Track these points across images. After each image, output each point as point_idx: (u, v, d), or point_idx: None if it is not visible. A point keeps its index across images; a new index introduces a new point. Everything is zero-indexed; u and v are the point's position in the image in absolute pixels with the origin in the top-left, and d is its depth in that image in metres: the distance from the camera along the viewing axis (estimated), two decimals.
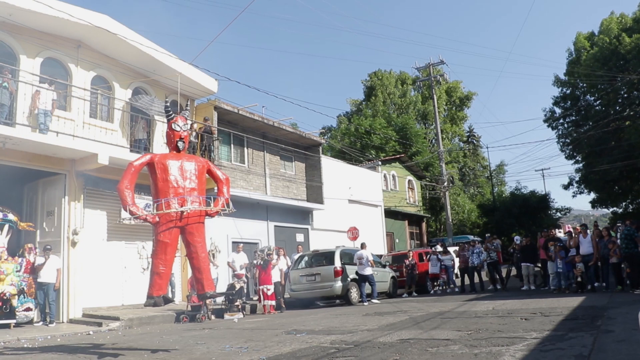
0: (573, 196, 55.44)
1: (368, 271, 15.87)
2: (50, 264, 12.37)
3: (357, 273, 15.97)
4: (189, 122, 16.61)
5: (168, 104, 7.79)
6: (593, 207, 44.40)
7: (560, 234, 21.65)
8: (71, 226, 13.48)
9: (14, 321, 11.61)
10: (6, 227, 12.24)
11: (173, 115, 7.63)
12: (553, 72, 51.26)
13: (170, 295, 14.25)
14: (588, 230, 14.78)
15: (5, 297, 11.44)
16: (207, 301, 13.38)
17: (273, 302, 14.77)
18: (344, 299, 16.00)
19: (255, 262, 15.68)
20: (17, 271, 12.00)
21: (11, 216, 12.43)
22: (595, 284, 14.28)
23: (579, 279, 13.92)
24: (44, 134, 12.54)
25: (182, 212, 7.05)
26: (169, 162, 7.23)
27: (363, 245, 16.66)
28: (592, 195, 41.94)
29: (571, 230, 17.55)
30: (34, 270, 12.35)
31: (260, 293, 14.77)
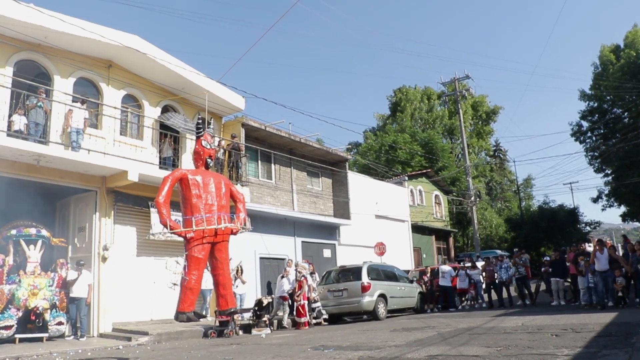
0: (602, 209, 54.52)
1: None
2: (83, 279, 12.60)
3: (439, 285, 18.60)
4: (216, 139, 16.96)
5: (200, 121, 7.94)
6: (623, 220, 43.59)
7: (590, 248, 21.27)
8: (102, 242, 13.72)
9: (47, 335, 11.83)
10: (39, 242, 12.52)
11: (203, 132, 7.76)
12: (578, 87, 50.56)
13: (203, 310, 14.40)
14: (605, 247, 14.54)
15: (38, 311, 11.68)
16: (235, 316, 13.47)
17: (307, 319, 15.00)
18: (371, 314, 15.92)
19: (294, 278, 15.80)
20: (49, 286, 12.25)
21: (44, 232, 12.71)
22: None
23: (620, 294, 13.66)
24: (76, 151, 12.86)
25: (216, 229, 7.16)
26: (201, 178, 7.36)
27: (445, 262, 17.13)
28: (623, 209, 41.20)
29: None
30: (65, 284, 12.59)
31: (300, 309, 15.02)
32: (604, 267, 14.04)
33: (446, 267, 19.92)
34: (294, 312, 15.30)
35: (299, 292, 15.04)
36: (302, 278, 15.31)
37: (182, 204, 7.38)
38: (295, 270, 15.86)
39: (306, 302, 15.07)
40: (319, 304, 15.63)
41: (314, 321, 15.36)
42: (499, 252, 28.28)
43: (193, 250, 7.10)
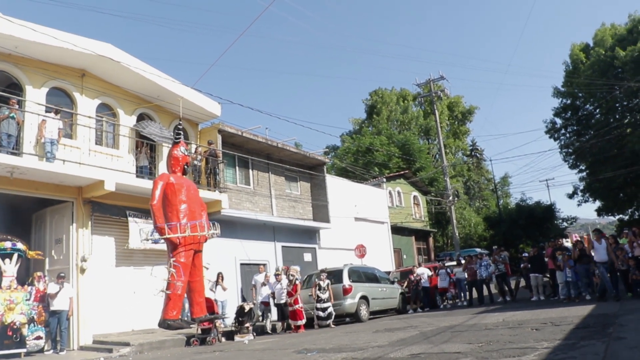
0: (578, 205, 55.45)
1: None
2: (64, 292, 12.41)
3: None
4: (193, 145, 16.87)
5: (181, 127, 7.93)
6: (599, 215, 44.40)
7: (567, 243, 21.61)
8: (80, 253, 13.54)
9: (25, 350, 11.59)
10: (15, 256, 12.30)
11: (181, 138, 7.76)
12: (552, 84, 51.40)
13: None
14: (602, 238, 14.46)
15: (15, 327, 11.46)
16: (217, 323, 13.40)
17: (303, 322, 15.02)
18: (353, 316, 15.95)
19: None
20: (26, 300, 12.04)
21: (20, 245, 12.50)
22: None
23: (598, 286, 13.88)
24: (50, 162, 12.68)
25: (199, 235, 7.17)
26: (184, 184, 7.34)
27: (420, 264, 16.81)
28: (598, 204, 41.97)
29: (579, 239, 17.54)
30: (43, 298, 12.39)
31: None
32: (603, 258, 13.85)
33: (422, 269, 20.14)
34: (283, 316, 15.28)
35: (294, 296, 14.99)
36: (297, 282, 15.27)
37: (166, 209, 7.33)
38: (286, 274, 15.77)
39: (302, 305, 15.06)
40: (329, 304, 15.28)
41: (325, 322, 15.11)
42: (478, 250, 28.54)
43: (181, 255, 7.06)
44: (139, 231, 14.19)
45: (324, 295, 15.17)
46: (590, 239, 15.07)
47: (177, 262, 7.10)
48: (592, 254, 14.30)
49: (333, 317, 15.29)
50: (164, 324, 7.16)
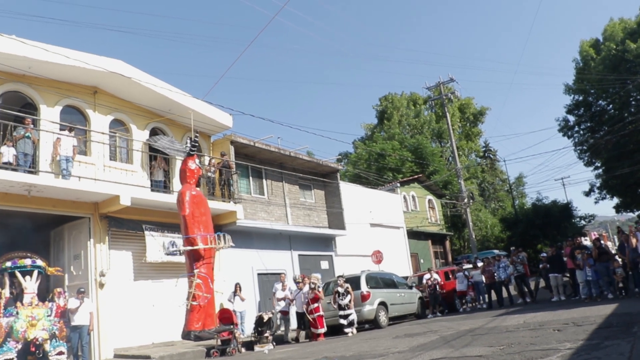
0: (595, 202, 54.70)
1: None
2: (85, 307, 12.50)
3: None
4: (206, 157, 16.94)
5: (197, 139, 7.99)
6: (617, 212, 43.86)
7: (586, 241, 21.37)
8: (98, 268, 13.64)
9: None
10: (35, 272, 12.39)
11: (196, 150, 7.81)
12: (563, 81, 51.13)
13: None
14: None
15: (38, 342, 11.55)
16: (237, 334, 13.41)
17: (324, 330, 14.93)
18: (372, 323, 15.88)
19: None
20: (48, 316, 12.11)
21: (40, 262, 12.60)
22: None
23: (620, 285, 13.70)
24: (66, 179, 12.83)
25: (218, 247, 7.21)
26: (202, 196, 7.39)
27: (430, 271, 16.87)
28: (616, 200, 41.46)
29: (598, 236, 17.33)
30: (64, 314, 12.48)
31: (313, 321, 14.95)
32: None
33: (435, 275, 20.19)
34: (304, 325, 15.22)
35: (316, 304, 14.93)
36: (319, 290, 15.22)
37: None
38: (303, 282, 15.72)
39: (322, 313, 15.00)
40: (351, 311, 15.09)
41: (349, 329, 14.88)
42: (496, 252, 28.30)
43: (206, 267, 7.11)
44: (162, 244, 14.29)
45: (344, 301, 15.03)
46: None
47: (202, 273, 7.13)
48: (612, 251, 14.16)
49: (355, 322, 15.13)
50: (189, 335, 7.17)
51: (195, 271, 7.23)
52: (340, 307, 15.02)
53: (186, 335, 7.22)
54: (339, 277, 16.00)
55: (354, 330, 14.98)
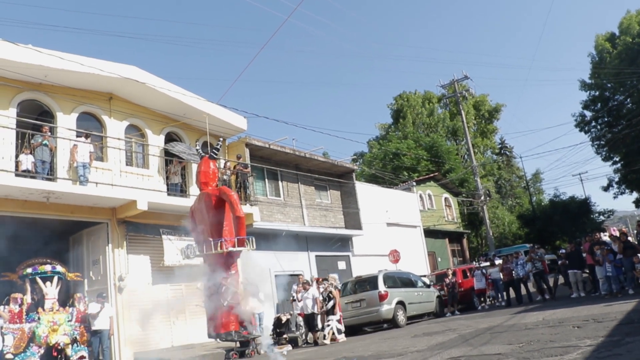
0: (614, 197, 54.14)
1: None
2: (105, 312, 12.63)
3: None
4: (222, 161, 17.03)
5: (220, 144, 8.03)
6: (637, 206, 43.32)
7: (605, 237, 21.09)
8: (116, 273, 13.77)
9: None
10: (56, 278, 12.59)
11: (218, 153, 7.87)
12: (578, 77, 50.55)
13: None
14: None
15: (59, 347, 11.72)
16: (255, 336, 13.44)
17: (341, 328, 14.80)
18: (391, 322, 15.85)
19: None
20: (69, 321, 12.29)
21: (59, 268, 12.79)
22: None
23: None
24: (84, 185, 12.97)
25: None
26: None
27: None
28: (635, 195, 40.95)
29: (625, 231, 17.11)
30: (85, 318, 12.63)
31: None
32: None
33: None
34: (321, 326, 15.19)
35: (334, 304, 14.79)
36: (336, 290, 15.16)
37: (220, 224, 7.33)
38: (317, 284, 15.66)
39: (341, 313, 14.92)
40: (333, 317, 14.82)
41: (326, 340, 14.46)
42: (528, 246, 27.91)
43: (234, 269, 7.15)
44: (185, 247, 14.34)
45: (329, 306, 14.76)
46: None
47: (230, 276, 7.16)
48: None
49: (340, 330, 14.76)
50: (220, 336, 7.20)
51: (232, 272, 7.26)
52: (328, 313, 14.78)
53: (217, 336, 7.22)
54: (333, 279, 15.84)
55: (335, 337, 14.46)
